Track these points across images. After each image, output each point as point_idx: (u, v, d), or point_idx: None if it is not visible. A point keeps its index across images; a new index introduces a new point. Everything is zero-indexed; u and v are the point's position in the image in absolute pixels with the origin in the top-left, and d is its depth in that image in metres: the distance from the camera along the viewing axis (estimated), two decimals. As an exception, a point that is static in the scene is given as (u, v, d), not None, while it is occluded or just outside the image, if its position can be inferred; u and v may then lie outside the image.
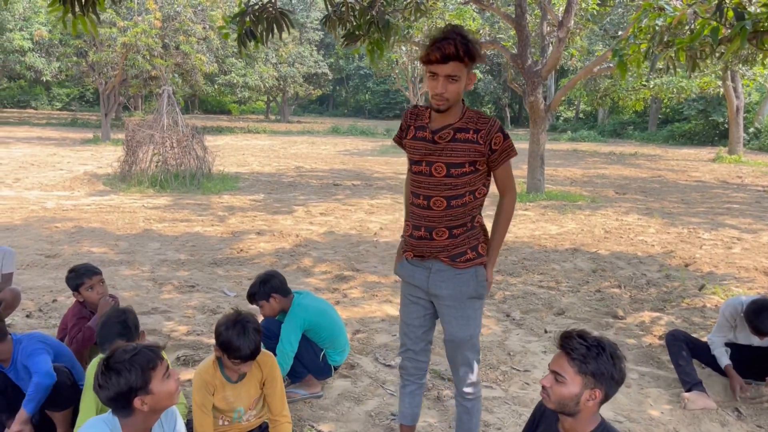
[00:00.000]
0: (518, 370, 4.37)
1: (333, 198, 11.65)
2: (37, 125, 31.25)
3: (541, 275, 6.74)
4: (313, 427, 3.55)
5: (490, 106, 52.78)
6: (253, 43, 5.82)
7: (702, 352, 4.18)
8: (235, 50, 29.48)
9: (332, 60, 48.13)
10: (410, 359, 3.07)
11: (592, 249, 8.03)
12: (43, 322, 4.89)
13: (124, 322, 3.19)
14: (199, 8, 24.02)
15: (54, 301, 5.36)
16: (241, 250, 7.40)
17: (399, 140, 2.97)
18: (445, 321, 2.93)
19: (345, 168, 17.18)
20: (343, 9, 5.48)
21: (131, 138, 11.96)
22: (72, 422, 3.09)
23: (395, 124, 27.19)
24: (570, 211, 10.95)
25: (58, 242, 7.47)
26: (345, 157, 20.49)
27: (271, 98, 46.39)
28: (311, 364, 3.89)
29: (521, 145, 18.37)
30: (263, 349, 3.18)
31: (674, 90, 17.69)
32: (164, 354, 3.28)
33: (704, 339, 4.27)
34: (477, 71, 42.64)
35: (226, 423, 3.10)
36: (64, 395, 3.09)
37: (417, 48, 14.92)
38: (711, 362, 4.17)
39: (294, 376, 3.91)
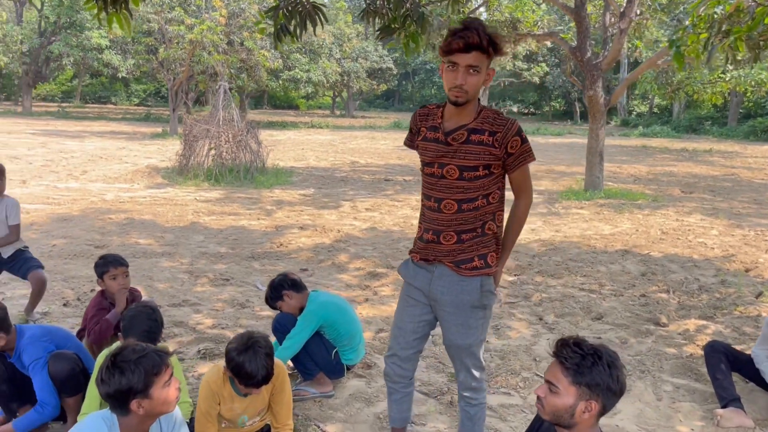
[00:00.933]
0: (541, 377, 4.17)
1: (382, 194, 11.59)
2: (113, 120, 32.69)
3: (584, 277, 6.46)
4: (318, 427, 3.50)
5: (559, 100, 51.49)
6: (288, 37, 5.82)
7: (745, 365, 3.88)
8: (299, 45, 29.91)
9: (397, 54, 48.12)
10: (395, 365, 2.93)
11: (644, 251, 7.64)
12: (79, 311, 5.04)
13: (154, 320, 3.23)
14: (263, 5, 24.46)
15: (92, 290, 5.53)
16: (281, 245, 7.45)
17: (410, 143, 2.88)
18: (444, 326, 2.82)
19: (400, 163, 17.10)
20: (379, 2, 5.42)
21: (188, 132, 12.29)
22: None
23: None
24: (627, 210, 10.48)
25: (109, 233, 7.74)
26: (402, 152, 20.40)
27: (336, 94, 46.88)
28: (323, 362, 3.84)
29: (583, 140, 17.80)
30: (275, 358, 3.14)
31: (752, 83, 16.62)
32: (172, 360, 3.33)
33: (748, 352, 3.96)
34: (543, 64, 41.70)
35: (229, 426, 3.08)
36: (75, 382, 3.15)
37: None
38: (755, 377, 3.87)
39: (305, 374, 3.87)
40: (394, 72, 45.81)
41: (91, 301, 4.06)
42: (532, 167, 16.50)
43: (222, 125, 12.16)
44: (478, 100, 2.67)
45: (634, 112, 44.42)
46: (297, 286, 3.88)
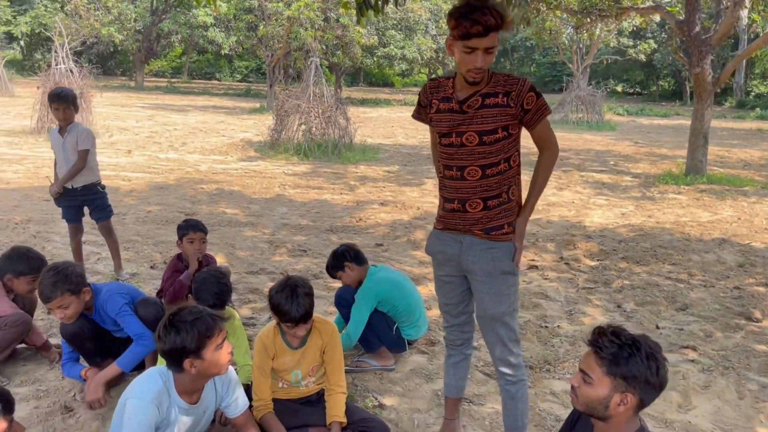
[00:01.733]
0: (613, 366, 3.99)
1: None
2: (216, 95, 34.09)
3: (673, 266, 6.10)
4: (376, 398, 3.53)
5: (668, 79, 48.59)
6: (370, 11, 5.80)
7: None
8: (394, 22, 29.83)
9: (496, 31, 46.88)
10: (456, 331, 2.97)
11: (744, 240, 7.11)
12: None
13: (224, 285, 3.36)
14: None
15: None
16: (360, 219, 7.53)
17: (419, 116, 2.86)
18: (477, 297, 2.78)
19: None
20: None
21: (280, 107, 12.61)
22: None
23: (557, 98, 26.04)
24: (731, 196, 9.78)
25: (199, 202, 8.10)
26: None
27: (431, 71, 46.49)
28: (384, 336, 3.86)
29: (687, 122, 16.69)
30: (323, 318, 3.20)
31: None
32: (236, 324, 3.45)
33: None
34: (651, 41, 39.38)
35: (284, 386, 3.16)
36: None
37: (570, 16, 14.00)
38: None
39: (367, 347, 3.90)
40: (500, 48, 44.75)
41: (169, 263, 4.28)
42: (631, 148, 15.74)
43: (312, 101, 12.37)
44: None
45: (753, 93, 41.16)
46: (359, 258, 3.91)
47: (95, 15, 32.65)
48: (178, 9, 32.54)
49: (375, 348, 3.89)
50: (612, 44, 37.44)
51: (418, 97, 2.87)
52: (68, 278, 3.11)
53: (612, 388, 2.00)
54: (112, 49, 39.65)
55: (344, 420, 3.02)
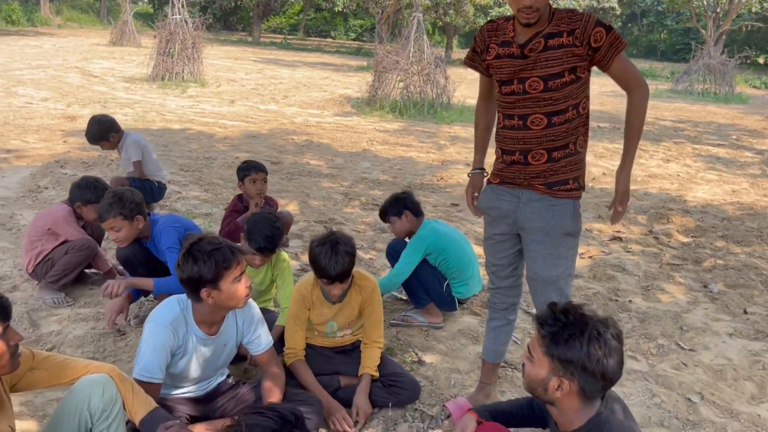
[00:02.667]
0: (682, 347, 3.65)
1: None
2: (328, 52, 34.46)
3: (780, 249, 5.49)
4: (416, 354, 3.43)
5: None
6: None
7: None
8: (511, -19, 28.67)
9: (623, -7, 44.08)
10: (501, 295, 2.81)
11: None
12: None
13: (276, 228, 3.34)
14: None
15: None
16: (441, 179, 7.35)
17: (472, 63, 2.66)
18: (529, 257, 2.59)
19: (600, 109, 15.85)
20: None
21: (379, 63, 12.50)
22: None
23: (682, 68, 24.14)
24: None
25: (286, 152, 8.23)
26: (607, 98, 18.90)
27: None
28: (434, 292, 3.73)
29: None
30: (365, 274, 3.11)
31: None
32: (285, 265, 3.44)
33: None
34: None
35: (319, 336, 3.13)
36: None
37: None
38: None
39: (416, 302, 3.80)
40: (618, 12, 42.04)
41: (229, 204, 4.34)
42: (760, 123, 14.26)
43: (411, 58, 12.16)
44: (549, 4, 2.39)
45: None
46: (417, 209, 3.80)
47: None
48: (296, -35, 32.96)
49: (423, 303, 3.77)
50: (754, 9, 34.00)
51: (474, 40, 2.67)
52: (123, 203, 3.22)
53: (550, 370, 1.81)
54: (233, 5, 40.93)
55: (376, 373, 2.95)
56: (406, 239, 3.81)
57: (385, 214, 3.86)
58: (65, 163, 6.66)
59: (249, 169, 4.23)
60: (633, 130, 2.48)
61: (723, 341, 3.77)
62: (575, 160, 2.48)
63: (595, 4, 37.25)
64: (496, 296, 2.82)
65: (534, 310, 2.90)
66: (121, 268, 3.79)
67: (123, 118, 9.77)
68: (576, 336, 1.77)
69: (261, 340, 2.65)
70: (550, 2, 2.41)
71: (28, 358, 1.92)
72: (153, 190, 5.26)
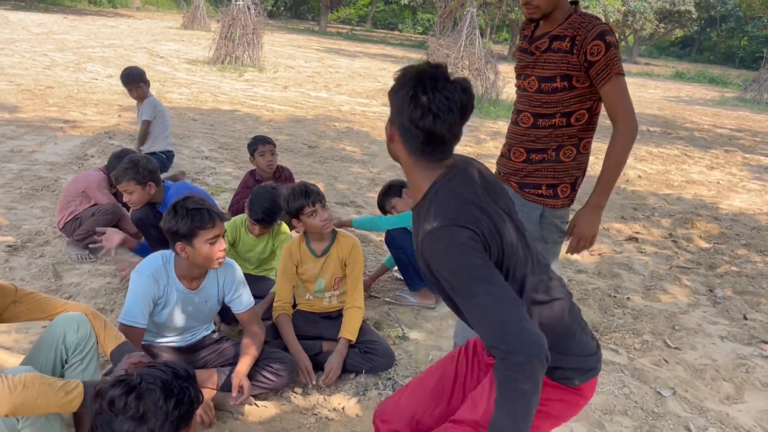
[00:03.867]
0: (669, 345, 3.68)
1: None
2: (392, 45, 34.67)
3: (804, 262, 5.35)
4: (402, 330, 3.60)
5: None
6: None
7: None
8: (580, -20, 28.07)
9: (700, -5, 42.37)
10: None
11: None
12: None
13: (275, 202, 3.57)
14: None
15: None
16: (471, 170, 7.43)
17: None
18: None
19: (658, 114, 15.47)
20: None
21: (430, 56, 12.59)
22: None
23: (752, 75, 23.12)
24: None
25: (324, 137, 8.49)
26: (669, 103, 18.36)
27: (620, 36, 43.25)
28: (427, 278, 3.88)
29: None
30: (346, 233, 3.32)
31: None
32: (283, 235, 3.67)
33: None
34: None
35: (310, 297, 3.35)
36: None
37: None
38: None
39: (411, 285, 3.95)
40: (694, 16, 40.48)
41: (242, 179, 4.60)
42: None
43: (462, 52, 12.21)
44: (572, 3, 2.39)
45: None
46: None
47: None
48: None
49: (417, 287, 3.93)
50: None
51: None
52: (137, 169, 3.52)
53: (391, 123, 1.69)
54: (303, -6, 41.75)
55: (353, 338, 3.14)
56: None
57: (383, 202, 3.97)
58: (113, 135, 7.11)
59: (256, 143, 4.48)
60: (605, 168, 2.40)
61: (713, 343, 3.78)
62: (555, 167, 2.47)
63: (668, 6, 35.99)
64: None
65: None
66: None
67: (178, 97, 10.26)
68: (404, 81, 1.60)
69: (242, 300, 2.87)
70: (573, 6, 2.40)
71: (11, 292, 2.18)
72: (162, 162, 5.68)
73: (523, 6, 2.40)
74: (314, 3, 51.70)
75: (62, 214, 4.20)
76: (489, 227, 1.56)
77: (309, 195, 3.08)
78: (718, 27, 52.76)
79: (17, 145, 6.32)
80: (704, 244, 5.61)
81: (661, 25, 37.50)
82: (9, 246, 4.02)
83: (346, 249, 3.25)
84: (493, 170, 2.67)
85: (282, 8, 48.11)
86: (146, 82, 5.84)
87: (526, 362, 1.43)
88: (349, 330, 3.16)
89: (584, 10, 2.42)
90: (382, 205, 4.01)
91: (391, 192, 3.94)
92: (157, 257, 2.66)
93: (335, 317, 3.36)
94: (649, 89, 22.77)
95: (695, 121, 14.66)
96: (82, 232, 4.07)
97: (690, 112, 16.76)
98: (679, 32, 40.57)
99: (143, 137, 5.78)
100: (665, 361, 3.51)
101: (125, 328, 2.49)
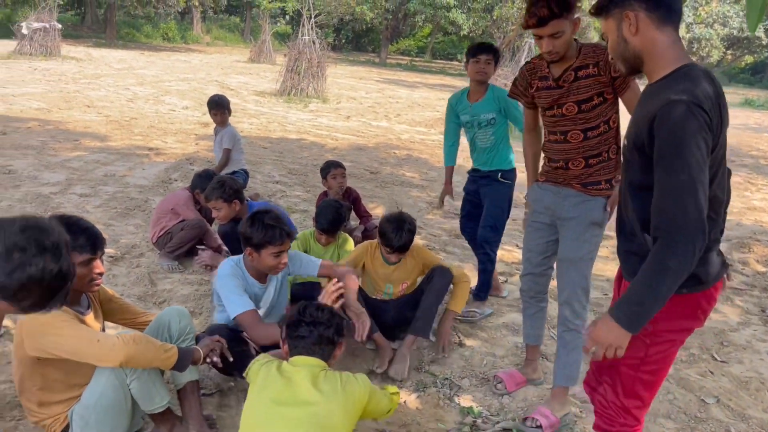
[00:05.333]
0: (715, 359, 3.85)
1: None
2: (451, 75, 35.22)
3: None
4: (459, 337, 3.90)
5: None
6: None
7: None
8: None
9: (772, 21, 41.26)
10: (530, 281, 3.24)
11: None
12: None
13: (340, 214, 4.01)
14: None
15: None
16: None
17: (515, 95, 3.16)
18: (561, 241, 3.04)
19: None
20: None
21: (488, 86, 12.96)
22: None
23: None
24: None
25: (385, 164, 8.92)
26: (736, 131, 17.99)
27: (685, 63, 42.52)
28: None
29: None
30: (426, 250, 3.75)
31: None
32: (345, 248, 4.08)
33: None
34: None
35: (378, 296, 3.76)
36: None
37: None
38: None
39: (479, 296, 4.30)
40: (764, 42, 39.52)
41: (317, 200, 5.04)
42: None
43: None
44: (576, 39, 2.86)
45: None
46: None
47: (352, -6, 35.68)
48: (426, -10, 34.14)
49: (484, 298, 4.28)
50: None
51: (515, 78, 3.18)
52: (224, 189, 4.00)
53: (612, 16, 1.97)
54: (365, 27, 42.90)
55: (458, 310, 3.78)
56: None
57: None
58: (193, 161, 7.74)
59: (329, 167, 4.93)
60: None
61: (761, 359, 3.91)
62: (607, 165, 2.92)
63: (735, 33, 35.29)
64: (526, 282, 3.26)
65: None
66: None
67: (248, 127, 10.94)
68: None
69: (311, 264, 3.28)
70: (577, 38, 2.87)
71: (106, 291, 2.69)
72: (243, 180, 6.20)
73: (545, 54, 2.82)
74: (375, 35, 53.09)
75: (154, 229, 4.72)
76: (717, 123, 1.80)
77: (401, 248, 3.51)
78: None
79: (110, 170, 7.01)
80: (761, 268, 5.68)
81: (729, 51, 36.73)
82: (111, 257, 4.56)
83: (419, 260, 3.66)
84: (542, 179, 3.07)
85: (344, 41, 49.57)
86: (229, 111, 6.39)
87: (687, 243, 1.71)
88: (458, 303, 3.73)
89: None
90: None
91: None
92: (229, 262, 3.08)
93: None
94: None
95: (762, 149, 14.42)
96: (172, 245, 4.57)
97: (757, 139, 16.46)
98: (748, 58, 39.62)
99: (224, 164, 6.22)
100: (711, 372, 3.68)
101: (242, 317, 2.87)
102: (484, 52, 3.90)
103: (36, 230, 1.61)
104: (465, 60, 4.01)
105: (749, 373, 3.70)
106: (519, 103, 3.44)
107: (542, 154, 3.13)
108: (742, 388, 3.54)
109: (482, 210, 4.21)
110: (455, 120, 4.21)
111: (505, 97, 3.86)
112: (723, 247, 6.11)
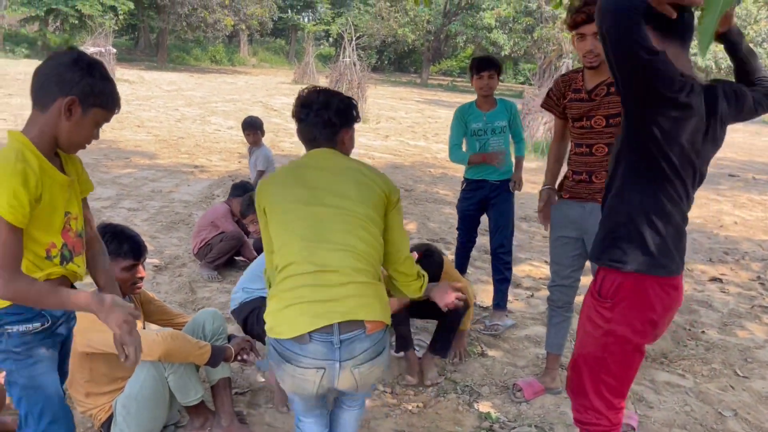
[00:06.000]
0: (737, 374, 3.88)
1: (713, 188, 10.59)
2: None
3: None
4: (482, 348, 4.03)
5: None
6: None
7: None
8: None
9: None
10: (559, 291, 3.36)
11: None
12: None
13: None
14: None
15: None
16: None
17: (547, 106, 3.31)
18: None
19: (759, 160, 14.97)
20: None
21: (526, 105, 13.05)
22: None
23: None
24: None
25: (420, 182, 9.12)
26: (782, 150, 17.64)
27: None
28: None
29: None
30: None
31: None
32: None
33: None
34: None
35: None
36: None
37: None
38: None
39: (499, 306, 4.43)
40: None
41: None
42: None
43: (557, 101, 12.57)
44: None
45: None
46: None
47: (395, 17, 36.28)
48: (467, 11, 34.47)
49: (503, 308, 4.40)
50: None
51: (549, 89, 3.34)
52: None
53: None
54: (407, 49, 43.45)
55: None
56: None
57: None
58: (236, 178, 8.07)
59: None
60: None
61: (785, 376, 3.92)
62: None
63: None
64: (554, 293, 3.39)
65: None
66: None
67: (290, 146, 11.31)
68: None
69: None
70: None
71: (147, 294, 2.96)
72: None
73: (583, 57, 2.94)
74: (416, 56, 53.64)
75: (195, 241, 5.01)
76: (697, 91, 1.92)
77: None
78: None
79: (157, 186, 7.39)
80: (794, 287, 5.64)
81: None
82: (155, 266, 4.86)
83: (445, 276, 3.80)
84: (566, 196, 3.19)
85: (386, 62, 50.24)
86: (263, 132, 6.64)
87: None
88: (466, 323, 3.83)
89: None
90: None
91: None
92: (260, 259, 3.31)
93: None
94: (763, 137, 21.92)
95: (808, 169, 14.08)
96: (212, 256, 4.84)
97: (804, 159, 16.07)
98: (799, 77, 38.53)
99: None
100: (731, 387, 3.71)
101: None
102: (486, 68, 4.06)
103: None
104: (470, 75, 4.20)
105: (771, 389, 3.73)
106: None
107: (566, 167, 3.27)
108: (761, 402, 3.57)
109: (477, 223, 4.52)
110: (463, 128, 4.31)
111: (513, 110, 4.17)
112: (756, 266, 6.10)
